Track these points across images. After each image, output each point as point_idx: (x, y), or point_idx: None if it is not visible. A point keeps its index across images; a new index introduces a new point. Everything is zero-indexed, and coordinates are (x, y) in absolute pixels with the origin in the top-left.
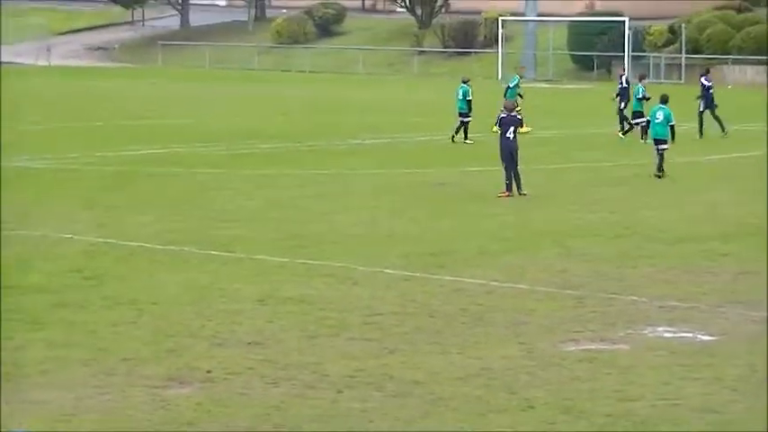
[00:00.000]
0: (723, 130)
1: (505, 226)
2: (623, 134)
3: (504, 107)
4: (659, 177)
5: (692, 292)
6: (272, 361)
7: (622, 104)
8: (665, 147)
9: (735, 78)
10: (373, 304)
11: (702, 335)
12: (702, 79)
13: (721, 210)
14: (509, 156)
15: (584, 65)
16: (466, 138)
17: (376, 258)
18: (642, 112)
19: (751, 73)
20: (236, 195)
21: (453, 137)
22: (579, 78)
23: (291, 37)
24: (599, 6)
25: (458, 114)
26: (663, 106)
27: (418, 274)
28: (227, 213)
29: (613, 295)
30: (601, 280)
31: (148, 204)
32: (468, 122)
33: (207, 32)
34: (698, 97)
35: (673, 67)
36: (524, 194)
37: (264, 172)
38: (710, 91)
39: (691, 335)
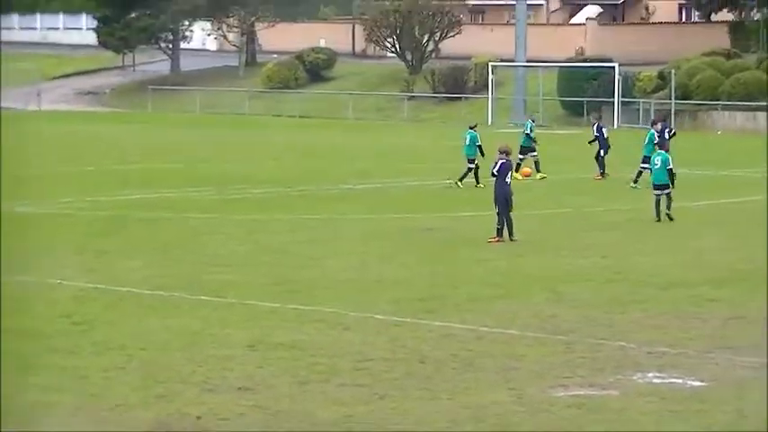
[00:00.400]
0: (603, 176)
1: (496, 271)
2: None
3: (501, 151)
4: (671, 219)
5: (682, 338)
6: (262, 407)
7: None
8: (668, 191)
9: (724, 124)
10: (364, 350)
11: (692, 380)
12: (594, 127)
13: (711, 255)
14: (504, 201)
15: (574, 110)
16: (477, 182)
17: (366, 304)
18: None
19: (740, 119)
20: (227, 240)
21: (458, 182)
22: (569, 124)
23: (282, 82)
24: (589, 52)
25: (466, 160)
26: (661, 152)
27: (408, 320)
28: (217, 258)
29: (603, 341)
30: (590, 325)
31: (139, 249)
32: (475, 168)
33: (198, 77)
34: (590, 141)
35: (663, 112)
36: (515, 240)
37: (255, 217)
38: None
39: (680, 381)
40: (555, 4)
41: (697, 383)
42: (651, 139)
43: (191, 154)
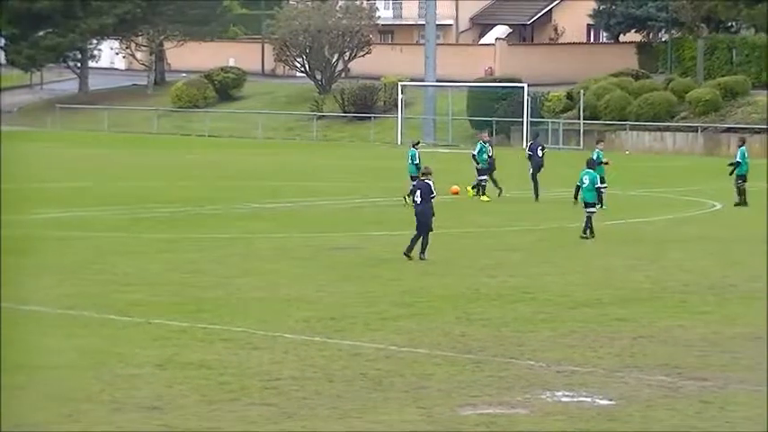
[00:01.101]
0: (536, 197)
1: (405, 291)
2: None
3: (423, 172)
4: (586, 239)
5: (590, 357)
6: (171, 426)
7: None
8: (593, 210)
9: (632, 144)
10: (272, 369)
11: (600, 399)
12: (529, 148)
13: (619, 275)
14: (426, 219)
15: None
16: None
17: (275, 323)
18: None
19: (648, 139)
20: (136, 259)
21: (406, 198)
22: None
23: (191, 101)
24: (498, 72)
25: (409, 177)
26: (589, 171)
27: (317, 339)
28: (127, 277)
29: (512, 360)
30: (499, 344)
31: (49, 269)
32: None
33: (106, 96)
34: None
35: (571, 132)
36: (425, 259)
37: (165, 236)
38: (540, 156)
39: (589, 399)
40: (464, 25)
41: (605, 402)
42: (599, 158)
43: (100, 173)
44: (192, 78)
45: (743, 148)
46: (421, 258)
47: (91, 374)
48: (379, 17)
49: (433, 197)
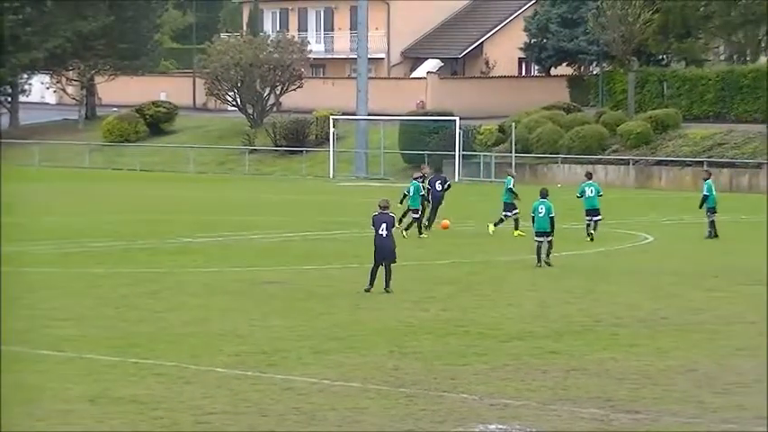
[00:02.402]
0: (429, 227)
1: (338, 325)
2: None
3: (379, 205)
4: (549, 265)
5: (523, 390)
6: None
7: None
8: (549, 238)
9: (564, 177)
10: (205, 403)
11: None
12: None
13: (551, 307)
14: (389, 253)
15: (416, 163)
16: (420, 232)
17: (207, 357)
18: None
19: (580, 172)
20: (67, 294)
21: (404, 231)
22: (410, 177)
23: (122, 135)
24: (430, 106)
25: (410, 210)
26: (544, 200)
27: (250, 373)
28: (57, 312)
29: (445, 393)
30: (432, 378)
31: None
32: (419, 218)
33: (37, 130)
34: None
35: (503, 165)
36: (390, 291)
37: (96, 270)
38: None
39: None
40: (396, 58)
41: None
42: (508, 186)
43: (29, 207)
44: (123, 113)
45: (709, 181)
46: (386, 291)
47: (22, 410)
48: (311, 51)
49: (393, 228)
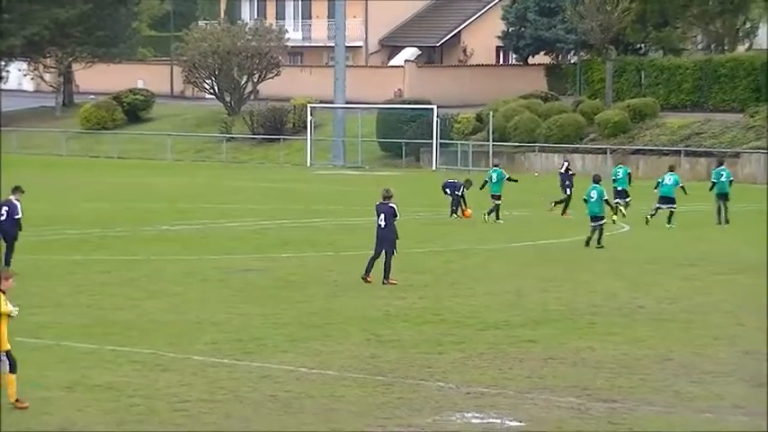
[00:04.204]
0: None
1: (315, 312)
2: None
3: (384, 196)
4: (601, 248)
5: (500, 378)
6: None
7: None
8: (602, 222)
9: (542, 166)
10: (181, 391)
11: (510, 420)
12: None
13: (528, 296)
14: (389, 243)
15: (393, 152)
16: (498, 218)
17: (184, 345)
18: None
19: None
20: (43, 281)
21: (486, 216)
22: (388, 165)
23: (99, 123)
24: (407, 94)
25: (492, 197)
26: (596, 185)
27: (226, 361)
28: (34, 299)
29: (421, 381)
30: (409, 366)
31: None
32: (499, 204)
33: (13, 118)
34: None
35: (480, 154)
36: (394, 283)
37: (72, 258)
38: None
39: (498, 421)
40: (374, 47)
41: (515, 423)
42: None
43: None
44: (100, 100)
45: (720, 168)
46: (384, 283)
47: (1, 400)
48: (289, 39)
49: (396, 219)
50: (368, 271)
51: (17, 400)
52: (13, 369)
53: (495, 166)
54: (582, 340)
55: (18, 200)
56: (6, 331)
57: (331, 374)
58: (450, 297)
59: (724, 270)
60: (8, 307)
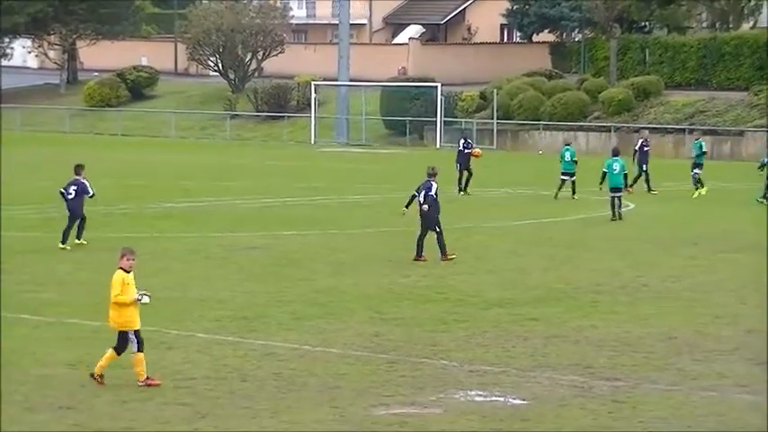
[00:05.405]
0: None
1: (318, 290)
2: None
3: (428, 173)
4: (621, 219)
5: (503, 357)
6: (83, 426)
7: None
8: (621, 194)
9: (546, 144)
10: (186, 368)
11: (513, 399)
12: None
13: (531, 275)
14: (431, 220)
15: (397, 130)
16: (574, 193)
17: (188, 322)
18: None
19: (561, 139)
20: (47, 259)
21: (557, 193)
22: (392, 143)
23: (103, 100)
24: (411, 72)
25: (565, 174)
26: (617, 158)
27: (230, 339)
28: (38, 277)
29: (425, 359)
30: (412, 344)
31: None
32: (574, 180)
33: (18, 95)
34: None
35: (485, 132)
36: (452, 258)
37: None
38: None
39: (502, 399)
40: (378, 24)
41: (518, 401)
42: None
43: (10, 172)
44: (104, 77)
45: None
46: (442, 260)
47: (3, 374)
48: (293, 16)
49: (430, 194)
50: (419, 253)
51: (147, 378)
52: (140, 348)
53: (568, 144)
54: (585, 318)
55: (85, 178)
56: (138, 310)
57: (335, 352)
58: (453, 275)
59: (726, 249)
60: (134, 295)
